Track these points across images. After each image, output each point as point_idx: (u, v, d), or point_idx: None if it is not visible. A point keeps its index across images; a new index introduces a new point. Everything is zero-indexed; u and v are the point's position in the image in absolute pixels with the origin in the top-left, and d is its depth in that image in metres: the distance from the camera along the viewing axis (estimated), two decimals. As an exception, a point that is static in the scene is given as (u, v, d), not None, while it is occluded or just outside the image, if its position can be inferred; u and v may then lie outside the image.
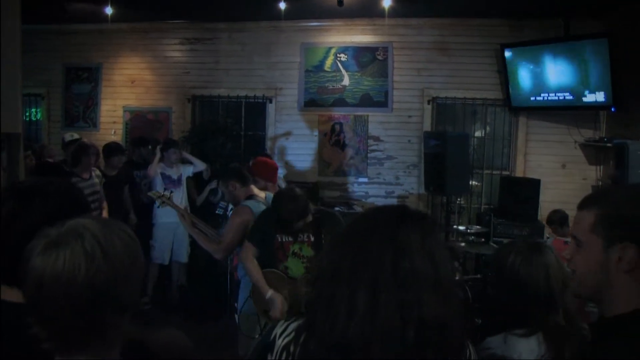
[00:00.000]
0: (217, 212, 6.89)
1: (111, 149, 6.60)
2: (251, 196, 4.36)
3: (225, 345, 5.46)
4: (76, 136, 7.36)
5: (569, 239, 4.75)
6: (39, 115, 8.65)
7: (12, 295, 1.44)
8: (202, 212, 7.22)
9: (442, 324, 1.26)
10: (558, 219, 5.98)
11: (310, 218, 3.83)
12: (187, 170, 6.83)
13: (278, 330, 1.46)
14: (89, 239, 1.17)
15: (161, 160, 6.64)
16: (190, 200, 6.94)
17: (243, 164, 6.90)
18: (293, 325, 1.43)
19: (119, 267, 1.18)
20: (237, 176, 4.42)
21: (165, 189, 6.43)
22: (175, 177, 6.68)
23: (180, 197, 6.59)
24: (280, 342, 1.42)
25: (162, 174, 6.61)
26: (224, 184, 4.52)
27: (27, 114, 8.63)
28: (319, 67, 7.86)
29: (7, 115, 3.81)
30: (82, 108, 8.45)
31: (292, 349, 1.38)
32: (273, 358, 1.43)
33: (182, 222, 4.39)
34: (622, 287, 1.38)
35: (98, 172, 6.07)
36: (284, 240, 3.89)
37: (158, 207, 5.34)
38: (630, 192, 1.48)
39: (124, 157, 6.76)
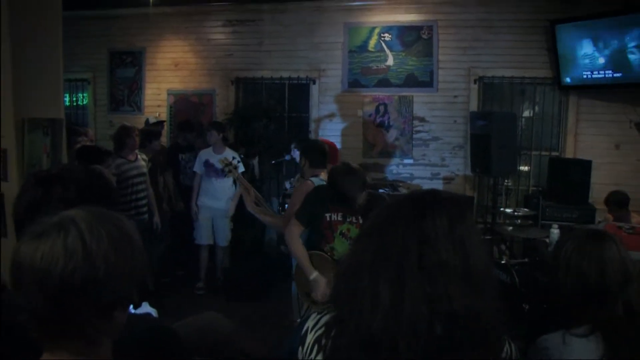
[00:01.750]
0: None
1: (150, 132, 6.66)
2: (316, 175, 4.40)
3: (268, 328, 5.50)
4: (161, 118, 7.50)
5: (624, 224, 4.58)
6: (85, 100, 8.76)
7: None
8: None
9: (472, 318, 1.17)
10: (617, 201, 5.78)
11: (362, 198, 3.77)
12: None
13: (310, 323, 1.42)
14: (73, 234, 1.14)
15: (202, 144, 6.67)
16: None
17: (286, 145, 6.90)
18: (324, 319, 1.38)
19: (100, 265, 1.14)
20: (312, 156, 4.48)
21: (207, 177, 6.51)
22: (219, 166, 6.47)
23: (223, 187, 6.61)
24: (311, 337, 1.38)
25: (206, 161, 6.59)
26: (302, 154, 4.61)
27: (74, 98, 8.77)
28: (363, 47, 7.73)
29: (50, 102, 3.85)
30: (127, 92, 8.53)
31: (323, 342, 1.33)
32: (304, 352, 1.38)
33: (245, 199, 4.35)
34: None
35: (144, 156, 6.11)
36: (332, 219, 3.85)
37: (225, 176, 5.34)
38: None
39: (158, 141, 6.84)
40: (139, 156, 5.94)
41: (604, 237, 2.00)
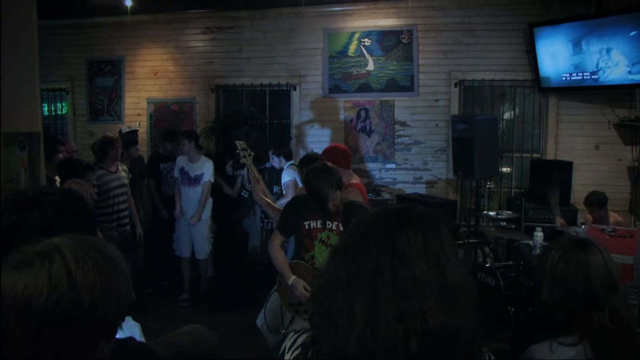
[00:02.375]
0: (242, 194, 6.91)
1: (127, 140, 6.61)
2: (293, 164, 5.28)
3: (253, 337, 5.46)
4: (134, 127, 7.42)
5: (606, 227, 4.60)
6: (64, 110, 8.66)
7: None
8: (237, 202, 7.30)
9: (450, 333, 1.17)
10: (597, 201, 5.81)
11: (341, 207, 3.74)
12: (208, 172, 6.59)
13: (288, 343, 1.40)
14: (58, 263, 1.11)
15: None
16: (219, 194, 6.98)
17: (268, 152, 6.87)
18: (301, 339, 1.37)
19: (86, 295, 1.11)
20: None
21: (182, 185, 6.50)
22: (192, 175, 6.55)
23: (195, 196, 6.57)
24: (289, 356, 1.37)
25: (182, 169, 6.56)
26: (300, 170, 4.76)
27: (53, 108, 8.68)
28: (343, 52, 7.72)
29: (27, 115, 3.77)
30: (107, 101, 8.45)
31: None
32: None
33: (254, 187, 4.54)
34: None
35: (125, 167, 6.07)
36: (311, 227, 3.83)
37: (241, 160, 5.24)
38: None
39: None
40: (119, 167, 5.89)
41: (588, 245, 2.01)
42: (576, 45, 6.60)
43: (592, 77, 6.58)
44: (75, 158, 5.16)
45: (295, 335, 1.41)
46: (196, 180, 6.52)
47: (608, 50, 6.37)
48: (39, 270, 1.09)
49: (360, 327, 1.17)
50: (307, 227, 3.83)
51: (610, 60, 6.37)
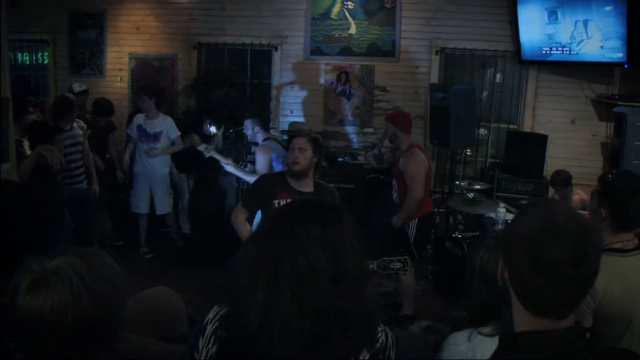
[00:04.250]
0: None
1: (101, 107, 6.56)
2: (268, 138, 5.67)
3: (223, 297, 5.55)
4: (84, 87, 7.36)
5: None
6: (46, 61, 8.60)
7: None
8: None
9: (342, 315, 1.32)
10: (561, 180, 5.88)
11: (311, 186, 3.87)
12: (171, 130, 6.59)
13: (210, 315, 1.52)
14: (76, 280, 1.19)
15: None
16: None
17: (248, 112, 6.86)
18: (221, 313, 1.50)
19: (105, 304, 1.22)
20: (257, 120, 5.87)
21: (140, 142, 6.45)
22: (151, 131, 6.50)
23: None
24: (210, 328, 1.49)
25: (139, 126, 6.50)
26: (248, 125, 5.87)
27: (34, 59, 8.61)
28: (326, 14, 7.66)
29: None
30: (88, 55, 8.38)
31: (218, 334, 1.46)
32: (203, 342, 1.49)
33: (227, 164, 5.45)
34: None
35: (82, 123, 5.91)
36: (280, 205, 3.80)
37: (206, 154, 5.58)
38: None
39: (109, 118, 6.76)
40: (74, 124, 5.74)
41: None
42: (557, 19, 6.55)
43: (571, 52, 6.56)
44: (43, 121, 5.12)
45: (218, 309, 1.52)
46: (155, 137, 6.48)
47: (588, 27, 6.33)
48: (61, 288, 1.18)
49: (260, 307, 1.32)
50: (276, 205, 3.82)
51: (590, 37, 6.35)
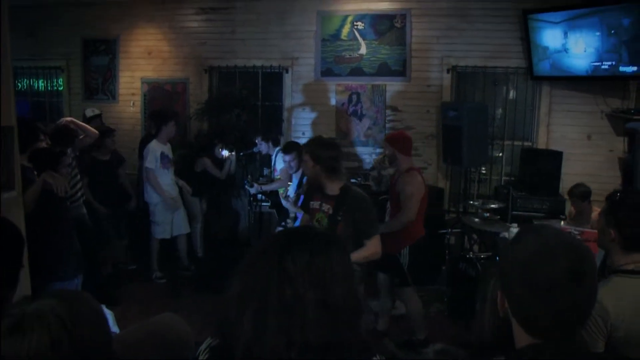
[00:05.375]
0: (246, 186, 6.83)
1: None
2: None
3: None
4: (97, 111, 7.43)
5: (573, 229, 4.52)
6: (61, 87, 8.70)
7: None
8: (225, 183, 7.35)
9: (326, 344, 1.29)
10: (579, 193, 5.78)
11: (337, 190, 3.97)
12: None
13: (203, 346, 1.51)
14: (55, 323, 1.16)
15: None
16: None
17: (259, 135, 6.90)
18: (213, 344, 1.49)
19: (86, 346, 1.19)
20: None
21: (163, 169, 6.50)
22: (171, 156, 6.70)
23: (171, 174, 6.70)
24: (202, 357, 1.48)
25: (162, 154, 6.55)
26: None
27: (49, 85, 8.72)
28: (336, 35, 7.66)
29: (2, 109, 3.76)
30: (101, 80, 8.47)
31: None
32: None
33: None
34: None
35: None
36: (313, 207, 4.12)
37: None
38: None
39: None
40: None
41: None
42: (569, 34, 6.47)
43: (585, 67, 6.45)
44: (47, 147, 5.13)
45: (211, 340, 1.51)
46: (172, 162, 6.70)
47: (601, 40, 6.22)
48: (40, 332, 1.14)
49: (247, 339, 1.30)
50: (310, 207, 4.15)
51: (603, 51, 6.23)
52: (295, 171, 6.10)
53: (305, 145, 4.24)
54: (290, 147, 6.11)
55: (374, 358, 1.47)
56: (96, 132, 6.20)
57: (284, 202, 5.93)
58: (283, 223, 5.46)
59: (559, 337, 1.29)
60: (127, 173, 7.05)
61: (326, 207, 3.98)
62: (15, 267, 1.88)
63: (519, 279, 1.33)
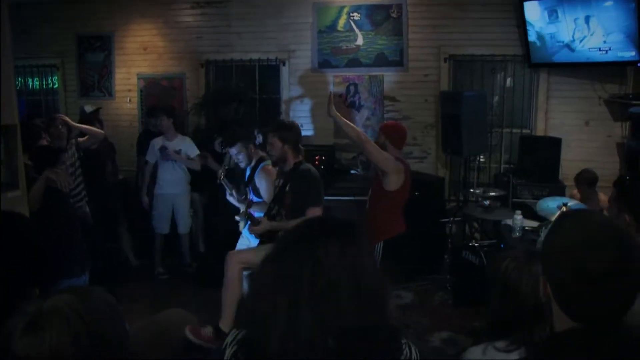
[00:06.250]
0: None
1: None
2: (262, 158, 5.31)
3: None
4: (95, 107, 7.38)
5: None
6: (56, 85, 8.65)
7: None
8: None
9: (364, 330, 1.32)
10: (586, 179, 5.79)
11: (292, 165, 4.35)
12: (190, 150, 6.70)
13: (229, 339, 1.51)
14: (73, 318, 1.16)
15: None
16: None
17: (259, 127, 6.85)
18: (240, 336, 1.49)
19: (104, 339, 1.19)
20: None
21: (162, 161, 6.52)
22: (174, 150, 6.61)
23: (174, 170, 6.65)
24: (229, 352, 1.48)
25: (162, 147, 6.55)
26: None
27: (44, 83, 8.67)
28: (332, 27, 7.64)
29: (4, 107, 3.74)
30: (97, 77, 8.43)
31: (238, 356, 1.46)
32: None
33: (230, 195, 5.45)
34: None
35: (74, 149, 5.83)
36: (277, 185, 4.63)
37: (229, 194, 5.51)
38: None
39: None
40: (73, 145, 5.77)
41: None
42: (565, 21, 6.47)
43: (581, 53, 6.47)
44: (45, 145, 5.11)
45: (237, 332, 1.51)
46: (178, 154, 6.61)
47: (597, 27, 6.25)
48: (59, 328, 1.14)
49: (281, 329, 1.30)
50: (275, 184, 4.72)
51: (600, 37, 6.27)
52: (246, 165, 5.44)
53: (271, 129, 4.52)
54: (231, 138, 5.54)
55: (403, 341, 1.52)
56: (101, 132, 6.20)
57: (229, 198, 5.51)
58: (237, 218, 5.20)
59: (602, 323, 1.28)
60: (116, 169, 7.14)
61: (279, 181, 4.52)
62: (34, 264, 1.86)
63: (564, 266, 1.32)
